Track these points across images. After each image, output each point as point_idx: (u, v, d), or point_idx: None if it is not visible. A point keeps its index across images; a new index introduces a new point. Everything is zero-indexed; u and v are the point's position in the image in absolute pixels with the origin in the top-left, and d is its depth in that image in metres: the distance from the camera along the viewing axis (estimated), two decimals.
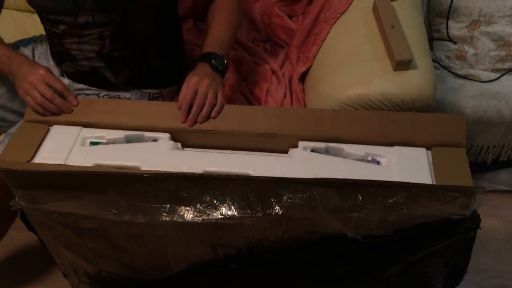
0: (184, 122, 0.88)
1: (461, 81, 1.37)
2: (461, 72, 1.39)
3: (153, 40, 1.06)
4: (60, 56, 1.07)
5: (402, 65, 0.96)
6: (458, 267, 1.07)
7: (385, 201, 0.75)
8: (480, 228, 0.85)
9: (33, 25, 1.46)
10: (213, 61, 0.94)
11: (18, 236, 1.30)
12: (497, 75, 1.37)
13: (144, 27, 1.03)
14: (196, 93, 0.89)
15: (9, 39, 1.14)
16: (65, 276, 1.12)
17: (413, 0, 1.13)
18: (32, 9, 1.17)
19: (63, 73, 1.12)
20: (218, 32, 1.00)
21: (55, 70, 1.12)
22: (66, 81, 1.10)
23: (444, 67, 1.41)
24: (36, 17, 1.46)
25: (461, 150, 0.82)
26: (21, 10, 1.49)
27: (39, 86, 0.89)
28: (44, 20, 1.03)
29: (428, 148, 0.84)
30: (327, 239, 0.88)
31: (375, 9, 1.08)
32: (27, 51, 1.11)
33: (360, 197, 0.76)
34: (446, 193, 0.73)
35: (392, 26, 1.01)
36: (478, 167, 1.37)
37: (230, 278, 0.98)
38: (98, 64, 1.04)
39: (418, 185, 0.73)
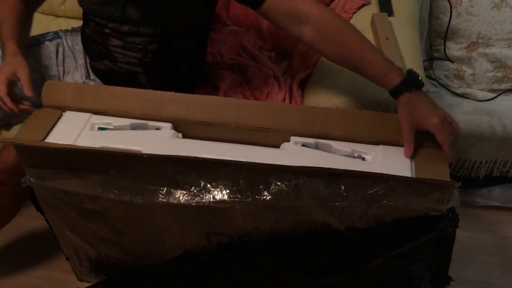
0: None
1: (458, 99, 1.42)
2: (459, 90, 1.45)
3: (189, 55, 1.13)
4: (100, 54, 1.11)
5: None
6: (441, 272, 1.11)
7: (365, 192, 0.80)
8: (458, 227, 0.90)
9: (56, 27, 1.56)
10: (419, 83, 0.85)
11: (24, 222, 1.38)
12: (494, 95, 1.42)
13: (186, 44, 1.09)
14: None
15: None
16: (67, 259, 1.18)
17: (409, 17, 1.20)
18: (56, 13, 1.27)
19: (91, 71, 1.18)
20: (373, 56, 0.87)
21: (83, 70, 1.18)
22: (92, 83, 1.17)
23: (443, 85, 1.47)
24: (60, 20, 1.57)
25: (442, 151, 0.87)
26: (46, 14, 1.59)
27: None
28: (89, 20, 1.09)
29: None
30: (314, 231, 0.93)
31: (372, 23, 1.15)
32: (52, 46, 1.17)
33: (343, 187, 0.81)
34: (422, 187, 0.78)
35: (387, 38, 1.08)
36: (472, 183, 1.41)
37: (222, 265, 1.03)
38: (137, 69, 1.10)
39: (396, 177, 0.78)
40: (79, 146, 0.89)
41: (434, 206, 0.81)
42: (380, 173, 0.79)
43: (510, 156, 1.32)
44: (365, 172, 0.79)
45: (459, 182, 0.77)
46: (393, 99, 1.00)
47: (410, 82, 0.85)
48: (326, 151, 0.90)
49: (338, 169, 0.80)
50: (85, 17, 1.11)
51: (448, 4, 1.43)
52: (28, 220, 1.39)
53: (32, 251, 1.32)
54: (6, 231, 1.30)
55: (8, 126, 1.18)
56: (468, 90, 1.43)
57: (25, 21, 1.05)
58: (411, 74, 0.86)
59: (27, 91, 0.93)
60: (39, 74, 1.14)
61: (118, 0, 0.99)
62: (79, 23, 1.23)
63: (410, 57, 1.08)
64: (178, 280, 1.09)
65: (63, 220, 1.04)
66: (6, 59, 0.96)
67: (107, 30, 1.05)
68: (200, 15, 1.06)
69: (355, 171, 0.79)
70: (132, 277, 1.10)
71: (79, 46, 1.17)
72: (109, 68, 1.12)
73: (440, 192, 0.79)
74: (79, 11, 1.51)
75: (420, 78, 0.85)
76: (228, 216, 0.92)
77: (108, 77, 1.14)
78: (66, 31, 1.21)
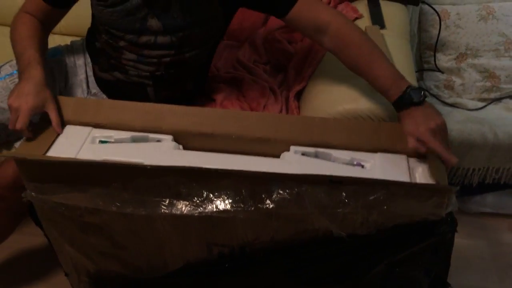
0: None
1: (449, 108, 1.46)
2: (449, 100, 1.48)
3: (198, 70, 1.15)
4: (111, 66, 1.12)
5: None
6: (440, 278, 1.12)
7: (366, 198, 0.82)
8: (457, 232, 0.91)
9: (52, 44, 1.56)
10: (414, 100, 0.89)
11: (20, 240, 1.36)
12: (483, 104, 1.46)
13: (199, 58, 1.11)
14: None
15: None
16: (66, 275, 1.17)
17: (401, 29, 1.24)
18: (53, 30, 1.27)
19: (96, 82, 1.18)
20: (379, 70, 0.93)
21: (84, 85, 1.18)
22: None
23: (433, 96, 1.50)
24: (56, 37, 1.57)
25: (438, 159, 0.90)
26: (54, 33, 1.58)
27: (12, 115, 0.91)
28: (102, 33, 1.09)
29: (409, 155, 0.91)
30: (315, 239, 0.94)
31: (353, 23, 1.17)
32: (52, 62, 1.16)
33: (344, 194, 0.82)
34: (421, 192, 0.80)
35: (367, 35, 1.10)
36: (466, 190, 1.43)
37: (223, 276, 1.03)
38: (147, 81, 1.11)
39: (396, 183, 0.80)
40: (82, 159, 0.90)
41: (433, 210, 0.83)
42: (380, 179, 0.81)
43: (502, 163, 1.35)
44: (365, 178, 0.81)
45: (457, 187, 0.79)
46: (387, 110, 1.03)
47: (403, 101, 0.90)
48: (325, 159, 0.92)
49: (339, 176, 0.81)
50: (97, 30, 1.11)
51: (436, 17, 1.47)
52: (24, 237, 1.37)
53: (29, 269, 1.31)
54: (2, 248, 1.29)
55: (8, 144, 1.18)
56: (459, 100, 1.47)
57: (44, 43, 1.05)
58: (405, 93, 0.90)
59: (58, 129, 0.93)
60: None
61: (139, 11, 1.00)
62: (75, 39, 1.25)
63: (403, 68, 1.10)
64: None
65: (63, 235, 1.04)
66: (34, 87, 0.92)
67: (122, 43, 1.06)
68: (217, 26, 1.09)
69: (356, 177, 0.81)
70: None
71: (80, 61, 1.18)
72: (116, 79, 1.13)
73: (439, 197, 0.80)
74: (75, 28, 1.54)
75: (416, 97, 0.89)
76: (230, 227, 0.93)
77: (114, 88, 1.15)
78: (66, 46, 1.22)
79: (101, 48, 1.12)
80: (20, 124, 0.89)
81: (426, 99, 0.90)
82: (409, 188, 0.80)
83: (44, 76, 0.94)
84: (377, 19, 1.21)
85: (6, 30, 1.57)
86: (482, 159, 1.34)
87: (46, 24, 1.07)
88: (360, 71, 0.97)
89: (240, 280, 1.03)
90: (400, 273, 0.96)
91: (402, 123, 0.91)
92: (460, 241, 1.34)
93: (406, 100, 0.89)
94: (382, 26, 1.20)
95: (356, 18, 1.24)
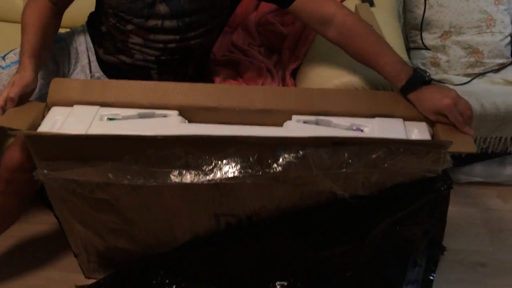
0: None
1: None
2: (436, 77, 1.54)
3: (200, 57, 1.18)
4: (117, 50, 1.15)
5: None
6: (436, 241, 1.18)
7: (368, 157, 0.87)
8: (452, 188, 0.97)
9: None
10: (426, 79, 0.93)
11: (25, 228, 1.39)
12: (468, 79, 1.52)
13: (201, 46, 1.15)
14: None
15: None
16: (75, 256, 1.19)
17: (390, 7, 1.29)
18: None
19: (99, 65, 1.21)
20: (386, 58, 0.97)
21: (87, 70, 1.21)
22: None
23: None
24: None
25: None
26: None
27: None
28: (109, 17, 1.11)
29: (405, 119, 0.96)
30: (319, 204, 0.99)
31: (356, 13, 1.23)
32: (56, 49, 1.18)
33: (346, 154, 0.87)
34: (419, 148, 0.85)
35: (371, 26, 1.15)
36: (455, 161, 1.49)
37: (232, 247, 1.07)
38: (151, 65, 1.15)
39: (395, 140, 0.85)
40: (93, 134, 0.93)
41: (430, 167, 0.88)
42: (380, 138, 0.86)
43: (489, 132, 1.42)
44: (367, 138, 0.86)
45: (451, 141, 0.85)
46: (381, 81, 1.08)
47: (415, 81, 0.93)
48: (326, 126, 0.96)
49: (342, 136, 0.86)
50: (105, 14, 1.14)
51: None
52: (29, 225, 1.40)
53: (36, 254, 1.33)
54: (8, 237, 1.31)
55: None
56: (445, 76, 1.53)
57: (48, 30, 1.07)
58: (416, 74, 0.93)
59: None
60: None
61: None
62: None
63: (394, 43, 1.16)
64: (189, 265, 1.12)
65: (73, 214, 1.07)
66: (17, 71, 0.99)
67: (130, 27, 1.09)
68: (222, 13, 1.13)
69: (358, 137, 0.86)
70: (142, 266, 1.13)
71: (82, 47, 1.21)
72: (121, 62, 1.16)
73: (435, 152, 0.86)
74: (70, 20, 1.57)
75: (426, 76, 0.93)
76: (237, 195, 0.97)
77: (118, 71, 1.18)
78: (67, 33, 1.24)
79: (107, 31, 1.15)
80: None
81: None
82: (408, 145, 0.85)
83: (25, 64, 0.99)
84: None
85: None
86: None
87: (59, 4, 1.09)
88: (367, 60, 0.99)
89: (248, 249, 1.07)
90: (400, 232, 1.01)
91: (419, 103, 0.94)
92: (452, 209, 1.41)
93: (417, 80, 0.93)
94: (371, 4, 1.25)
95: None
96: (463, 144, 0.89)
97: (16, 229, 1.33)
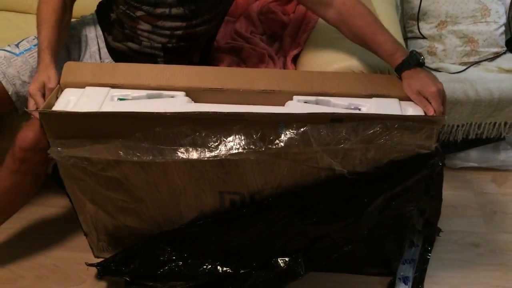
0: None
1: (433, 72, 1.56)
2: (433, 65, 1.59)
3: (205, 44, 1.23)
4: (125, 36, 1.20)
5: None
6: (431, 224, 1.23)
7: (365, 133, 0.92)
8: (445, 166, 1.02)
9: None
10: (421, 60, 0.98)
11: (36, 210, 1.44)
12: (464, 67, 1.56)
13: (207, 32, 1.20)
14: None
15: None
16: (85, 234, 1.24)
17: None
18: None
19: (108, 51, 1.25)
20: (384, 37, 1.02)
21: (97, 56, 1.26)
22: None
23: None
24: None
25: None
26: None
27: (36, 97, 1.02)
28: (119, 4, 1.16)
29: (401, 99, 1.01)
30: (318, 181, 1.04)
31: None
32: (67, 38, 1.21)
33: (344, 130, 0.92)
34: (414, 124, 0.90)
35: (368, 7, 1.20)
36: (451, 147, 1.54)
37: (235, 223, 1.12)
38: (158, 52, 1.20)
39: (390, 116, 0.90)
40: (105, 111, 0.98)
41: (424, 143, 0.93)
42: (376, 114, 0.91)
43: (483, 118, 1.46)
44: (363, 114, 0.91)
45: (445, 116, 0.90)
46: (378, 65, 1.13)
47: (410, 61, 0.99)
48: (326, 105, 1.01)
49: (340, 113, 0.91)
50: (115, 2, 1.19)
51: None
52: (40, 208, 1.45)
53: (47, 235, 1.38)
54: (20, 219, 1.37)
55: (27, 116, 1.25)
56: (441, 65, 1.58)
57: (63, 24, 1.12)
58: (412, 54, 0.99)
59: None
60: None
61: None
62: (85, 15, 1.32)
63: (392, 31, 1.21)
64: (194, 242, 1.17)
65: (85, 192, 1.12)
66: (39, 68, 1.05)
67: (139, 13, 1.14)
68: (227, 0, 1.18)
69: (355, 113, 0.91)
70: (150, 243, 1.18)
71: (91, 34, 1.26)
72: (129, 49, 1.21)
73: (429, 128, 0.90)
74: (80, 10, 1.61)
75: (421, 58, 0.99)
76: (241, 172, 1.02)
77: (126, 58, 1.23)
78: (77, 21, 1.29)
79: (116, 19, 1.20)
80: (31, 105, 1.01)
81: None
82: (402, 121, 0.90)
83: (48, 61, 1.05)
84: None
85: (11, 15, 1.68)
86: (465, 115, 1.45)
87: None
88: (365, 39, 1.04)
89: (252, 226, 1.12)
90: (396, 208, 1.06)
91: (408, 82, 0.99)
92: (448, 193, 1.47)
93: (412, 60, 0.98)
94: None
95: None
96: None
97: (27, 212, 1.39)
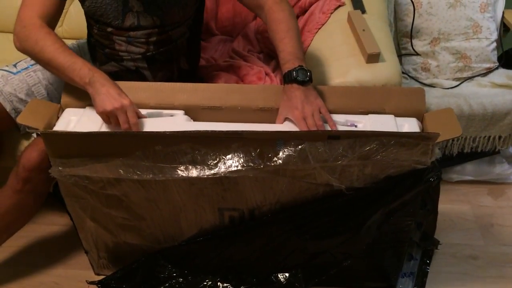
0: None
1: (427, 88, 1.59)
2: (427, 81, 1.62)
3: (186, 46, 1.25)
4: (107, 57, 1.22)
5: (373, 58, 1.17)
6: (428, 235, 1.24)
7: (362, 150, 0.94)
8: (441, 179, 1.04)
9: None
10: (298, 78, 1.01)
11: (36, 229, 1.45)
12: (458, 82, 1.59)
13: (182, 34, 1.22)
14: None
15: None
16: (86, 252, 1.25)
17: (380, 13, 1.37)
18: (66, 36, 1.34)
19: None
20: (286, 46, 1.07)
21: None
22: None
23: (412, 78, 1.64)
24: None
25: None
26: None
27: (121, 116, 1.00)
28: (93, 25, 1.18)
29: (396, 115, 1.04)
30: (316, 197, 1.05)
31: (349, 20, 1.31)
32: None
33: (341, 147, 0.94)
34: (409, 141, 0.92)
35: (363, 30, 1.23)
36: (447, 161, 1.56)
37: (234, 239, 1.13)
38: (141, 64, 1.22)
39: (386, 133, 0.92)
40: (105, 131, 0.99)
41: (420, 158, 0.95)
42: (372, 131, 0.93)
43: (478, 132, 1.49)
44: (360, 131, 0.93)
45: (438, 133, 0.91)
46: (373, 81, 1.16)
47: (286, 77, 1.03)
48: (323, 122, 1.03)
49: (337, 130, 0.93)
50: (90, 25, 1.21)
51: (410, 7, 1.62)
52: (40, 226, 1.46)
53: (48, 253, 1.38)
54: (20, 237, 1.37)
55: (27, 135, 1.27)
56: (435, 80, 1.61)
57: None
58: (292, 70, 1.02)
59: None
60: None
61: None
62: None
63: (384, 45, 1.24)
64: (195, 258, 1.18)
65: (85, 210, 1.13)
66: (117, 87, 1.03)
67: (109, 29, 1.16)
68: (193, 2, 1.20)
69: (352, 131, 0.93)
70: (150, 260, 1.19)
71: (87, 57, 1.28)
72: (117, 69, 1.23)
73: (425, 144, 0.92)
74: (76, 31, 1.64)
75: (300, 76, 1.02)
76: (240, 189, 1.03)
77: (116, 78, 1.24)
78: (72, 45, 1.31)
79: (95, 41, 1.22)
80: (135, 118, 1.01)
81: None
82: (398, 138, 0.92)
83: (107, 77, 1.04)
84: (358, 5, 1.34)
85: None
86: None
87: (51, 25, 1.09)
88: (274, 43, 1.11)
89: (251, 242, 1.13)
90: (394, 222, 1.07)
91: (283, 97, 1.04)
92: (445, 206, 1.48)
93: (291, 76, 1.02)
94: (363, 11, 1.33)
95: (339, 6, 1.37)
96: (449, 132, 0.96)
97: (28, 230, 1.39)
